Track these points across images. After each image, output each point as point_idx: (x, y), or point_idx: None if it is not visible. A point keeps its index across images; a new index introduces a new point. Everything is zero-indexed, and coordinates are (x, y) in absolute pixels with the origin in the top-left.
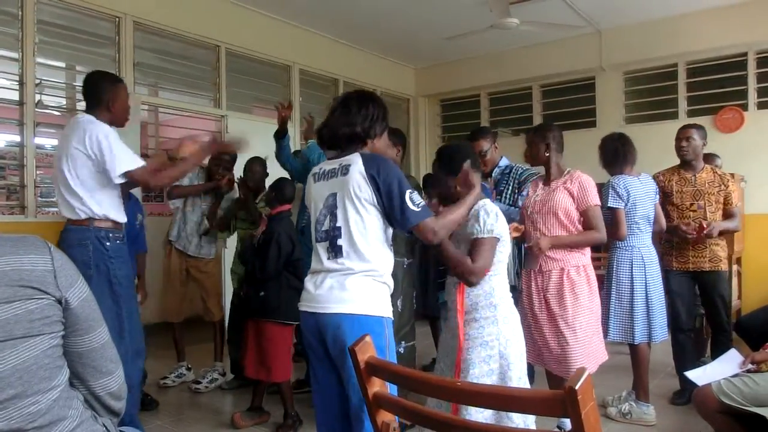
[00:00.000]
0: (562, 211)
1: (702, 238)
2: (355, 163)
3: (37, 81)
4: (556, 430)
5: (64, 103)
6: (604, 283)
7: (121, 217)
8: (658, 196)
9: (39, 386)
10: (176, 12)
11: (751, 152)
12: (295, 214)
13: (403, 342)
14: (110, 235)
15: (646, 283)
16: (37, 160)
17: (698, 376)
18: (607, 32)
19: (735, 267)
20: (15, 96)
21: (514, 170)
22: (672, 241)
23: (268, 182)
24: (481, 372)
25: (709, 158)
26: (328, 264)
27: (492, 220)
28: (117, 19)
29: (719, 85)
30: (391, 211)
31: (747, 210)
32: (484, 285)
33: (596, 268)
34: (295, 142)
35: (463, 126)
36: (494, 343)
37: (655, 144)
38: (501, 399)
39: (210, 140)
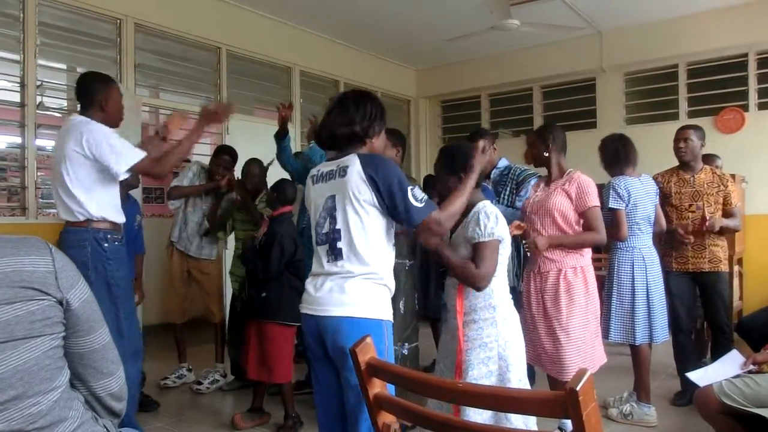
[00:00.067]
0: (558, 213)
1: (702, 238)
2: (353, 164)
3: (38, 83)
4: (557, 431)
5: (65, 104)
6: (605, 284)
7: (120, 218)
8: (658, 197)
9: (40, 387)
10: (177, 14)
11: (752, 153)
12: (296, 215)
13: (406, 343)
14: (108, 236)
15: (647, 283)
16: (38, 161)
17: (699, 377)
18: (607, 33)
19: (736, 268)
20: (16, 98)
21: (512, 171)
22: (671, 242)
23: (267, 183)
24: (479, 373)
25: (710, 159)
26: (328, 267)
27: (492, 223)
28: (118, 21)
29: (720, 86)
30: (395, 210)
31: (748, 211)
32: None
33: (597, 269)
34: (296, 144)
35: (463, 127)
36: (493, 344)
37: (656, 145)
38: (502, 400)
39: (201, 113)
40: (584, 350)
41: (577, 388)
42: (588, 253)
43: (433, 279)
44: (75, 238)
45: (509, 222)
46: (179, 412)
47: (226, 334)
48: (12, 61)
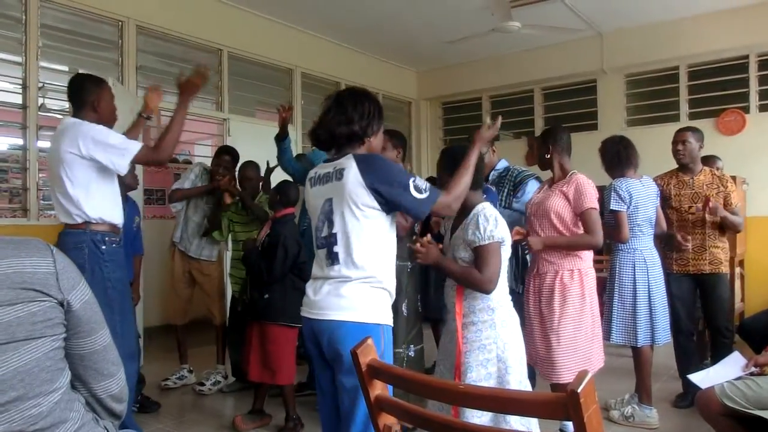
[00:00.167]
0: (555, 214)
1: (703, 239)
2: (349, 166)
3: (40, 84)
4: None
5: (67, 106)
6: (606, 285)
7: (118, 218)
8: (659, 199)
9: (41, 389)
10: (179, 16)
11: (753, 155)
12: (297, 217)
13: (411, 345)
14: (106, 238)
15: (648, 285)
16: (39, 163)
17: (701, 379)
18: (608, 35)
19: (738, 270)
20: (18, 99)
21: (510, 172)
22: (671, 245)
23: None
24: (478, 375)
25: (710, 160)
26: (327, 271)
27: (492, 225)
28: (120, 23)
29: (721, 88)
30: (400, 208)
31: (749, 213)
32: None
33: (598, 270)
34: (297, 146)
35: (464, 129)
36: (492, 346)
37: (657, 147)
38: (503, 402)
39: (179, 87)
40: (577, 353)
41: (579, 390)
42: (587, 255)
43: (432, 280)
44: (72, 240)
45: (509, 225)
46: (180, 413)
47: (228, 335)
48: (14, 63)
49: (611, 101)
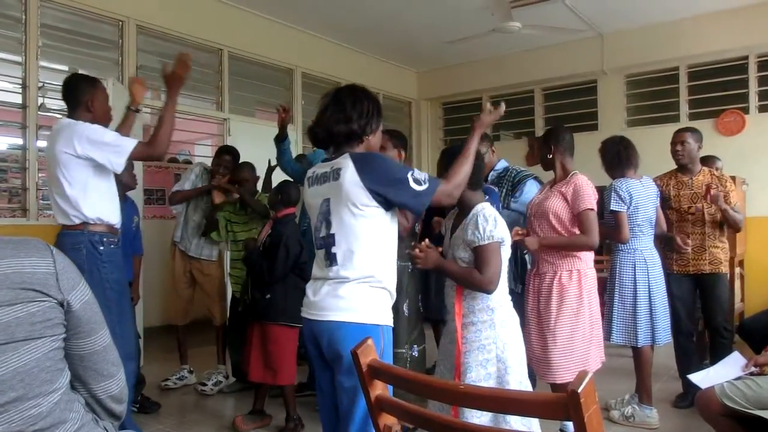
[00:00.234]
0: (553, 215)
1: (703, 239)
2: (346, 166)
3: (40, 84)
4: None
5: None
6: (607, 286)
7: (116, 218)
8: (659, 199)
9: (40, 389)
10: (179, 16)
11: (753, 155)
12: (297, 217)
13: (415, 346)
14: (104, 239)
15: (648, 285)
16: (39, 163)
17: (701, 379)
18: (608, 36)
19: (737, 270)
20: (18, 99)
21: (509, 173)
22: (670, 246)
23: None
24: (478, 376)
25: (710, 161)
26: (326, 271)
27: (491, 225)
28: (120, 22)
29: (721, 89)
30: (401, 203)
31: (749, 213)
32: None
33: (599, 271)
34: (298, 146)
35: (464, 129)
36: (491, 347)
37: (657, 147)
38: (504, 402)
39: (165, 80)
40: (573, 353)
41: (579, 390)
42: (587, 256)
43: (432, 280)
44: (70, 241)
45: (508, 225)
46: (180, 413)
47: (228, 335)
48: (14, 63)
49: (611, 102)
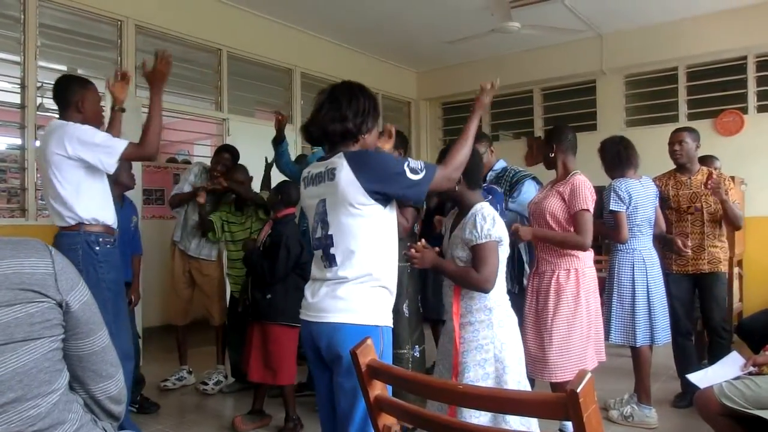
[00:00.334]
0: (549, 214)
1: (702, 239)
2: (341, 166)
3: (39, 84)
4: None
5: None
6: (606, 286)
7: (111, 219)
8: (658, 200)
9: (39, 390)
10: (178, 15)
11: (752, 155)
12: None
13: (416, 346)
14: (100, 239)
15: (647, 285)
16: (38, 163)
17: (700, 378)
18: (608, 36)
19: (736, 270)
20: (16, 99)
21: (507, 173)
22: (670, 246)
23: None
24: (476, 375)
25: (708, 160)
26: (324, 272)
27: (489, 224)
28: (119, 22)
29: (719, 89)
30: (400, 197)
31: (747, 213)
32: None
33: (597, 270)
34: (297, 146)
35: None
36: (489, 346)
37: (656, 147)
38: (503, 402)
39: (147, 78)
40: (570, 353)
41: (578, 390)
42: (586, 255)
43: (430, 280)
44: (66, 242)
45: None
46: (180, 414)
47: (227, 335)
48: (12, 63)
49: (610, 102)
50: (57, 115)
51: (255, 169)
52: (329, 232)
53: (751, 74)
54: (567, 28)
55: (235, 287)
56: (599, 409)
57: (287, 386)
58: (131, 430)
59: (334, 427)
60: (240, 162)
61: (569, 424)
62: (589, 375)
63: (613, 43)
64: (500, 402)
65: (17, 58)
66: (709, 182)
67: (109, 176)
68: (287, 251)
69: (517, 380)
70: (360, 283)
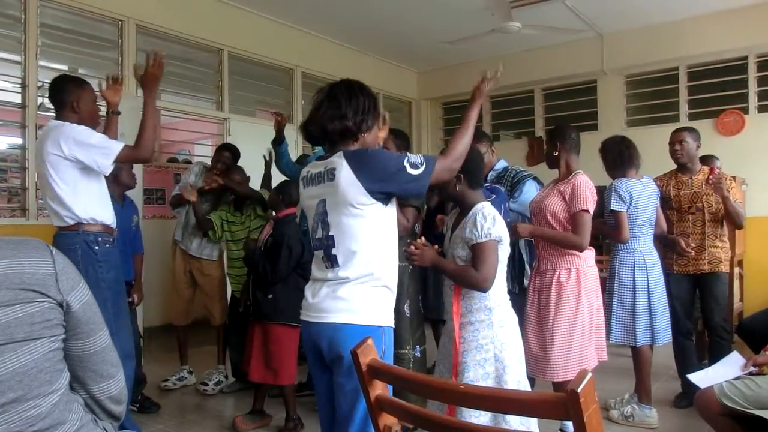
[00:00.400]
0: (550, 213)
1: (702, 239)
2: (341, 166)
3: (40, 84)
4: None
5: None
6: (606, 285)
7: (110, 218)
8: (659, 200)
9: (39, 390)
10: (179, 15)
11: (752, 155)
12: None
13: (417, 346)
14: (99, 239)
15: (648, 285)
16: (35, 163)
17: (700, 378)
18: (608, 36)
19: (736, 270)
20: (17, 99)
21: (508, 173)
22: (671, 246)
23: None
24: (476, 375)
25: (708, 160)
26: (325, 273)
27: (489, 224)
28: (120, 22)
29: (720, 89)
30: (404, 192)
31: (748, 213)
32: None
33: (598, 270)
34: (298, 146)
35: None
36: (489, 346)
37: (657, 147)
38: (504, 402)
39: (139, 81)
40: (571, 352)
41: (579, 390)
42: (587, 254)
43: (430, 279)
44: (65, 242)
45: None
46: (180, 414)
47: (228, 335)
48: (13, 62)
49: (611, 102)
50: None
51: (256, 169)
52: (330, 233)
53: (752, 74)
54: (567, 28)
55: (235, 287)
56: (599, 409)
57: (288, 386)
58: (132, 430)
59: (332, 427)
60: (241, 161)
61: (570, 424)
62: (589, 375)
63: (613, 43)
64: (501, 402)
65: (18, 58)
66: (711, 177)
67: (109, 176)
68: (289, 251)
69: (517, 380)
70: (361, 283)
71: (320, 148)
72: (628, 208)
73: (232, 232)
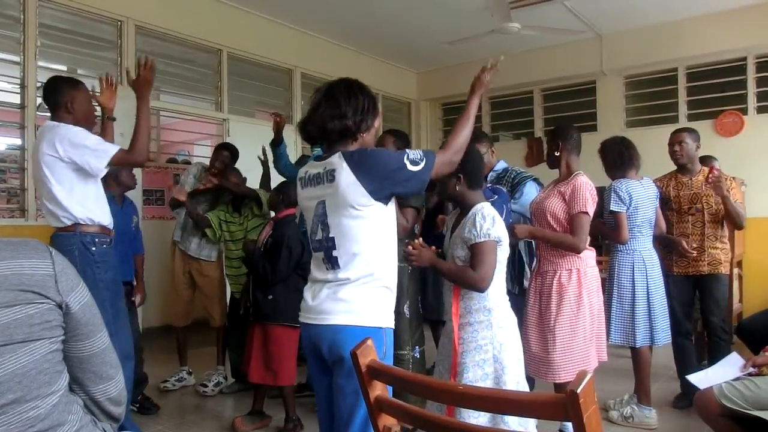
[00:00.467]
0: (550, 213)
1: (702, 240)
2: (341, 167)
3: (39, 84)
4: None
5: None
6: (606, 286)
7: (107, 219)
8: (659, 201)
9: (39, 391)
10: (178, 16)
11: (751, 156)
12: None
13: (417, 347)
14: (96, 240)
15: (647, 286)
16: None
17: (700, 379)
18: (608, 37)
19: (736, 270)
20: (16, 99)
21: (508, 174)
22: (671, 247)
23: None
24: (475, 376)
25: (706, 161)
26: (325, 274)
27: (488, 224)
28: (119, 22)
29: (719, 90)
30: (402, 193)
31: (747, 213)
32: None
33: (598, 271)
34: (297, 147)
35: None
36: (488, 347)
37: (656, 148)
38: (503, 403)
39: (132, 86)
40: (573, 352)
41: (578, 391)
42: (588, 254)
43: (430, 280)
44: (63, 243)
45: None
46: (180, 415)
47: (227, 336)
48: (12, 63)
49: (610, 103)
50: None
51: (255, 169)
52: (330, 235)
53: (751, 75)
54: (567, 29)
55: (234, 287)
56: (599, 410)
57: (287, 387)
58: (132, 431)
59: (331, 428)
60: (240, 162)
61: (569, 425)
62: (589, 375)
63: (613, 44)
64: (500, 403)
65: (17, 58)
66: (710, 176)
67: (110, 176)
68: (289, 251)
69: (516, 381)
70: (362, 284)
71: (319, 148)
72: (628, 208)
73: (230, 232)
